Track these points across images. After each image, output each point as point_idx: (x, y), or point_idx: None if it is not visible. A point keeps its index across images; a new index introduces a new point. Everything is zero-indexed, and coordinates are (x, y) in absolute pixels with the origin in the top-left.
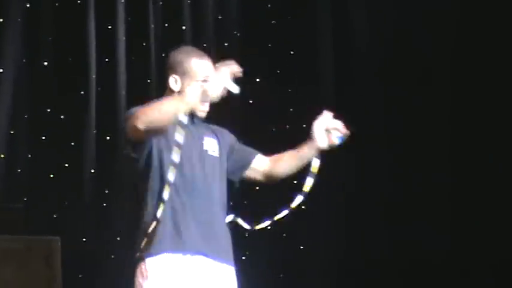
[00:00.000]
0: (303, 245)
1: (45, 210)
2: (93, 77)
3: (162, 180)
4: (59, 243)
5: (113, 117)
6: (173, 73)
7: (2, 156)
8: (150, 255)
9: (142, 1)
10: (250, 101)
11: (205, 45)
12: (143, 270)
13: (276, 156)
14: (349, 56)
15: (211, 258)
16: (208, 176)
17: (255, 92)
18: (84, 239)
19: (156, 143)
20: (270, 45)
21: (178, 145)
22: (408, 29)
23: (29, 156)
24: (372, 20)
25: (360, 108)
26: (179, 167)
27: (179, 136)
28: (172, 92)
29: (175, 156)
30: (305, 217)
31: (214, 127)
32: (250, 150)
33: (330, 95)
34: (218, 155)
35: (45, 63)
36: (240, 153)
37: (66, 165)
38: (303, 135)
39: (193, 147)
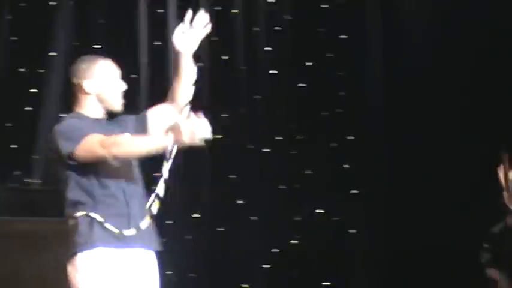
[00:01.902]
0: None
1: None
2: (145, 60)
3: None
4: None
5: (163, 102)
6: (85, 79)
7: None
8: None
9: None
10: (301, 85)
11: (257, 29)
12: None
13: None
14: (399, 42)
15: (138, 247)
16: (129, 172)
17: (306, 75)
18: None
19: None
20: (321, 30)
21: None
22: (459, 15)
23: None
24: (421, 4)
25: (408, 95)
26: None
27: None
28: (87, 94)
29: None
30: None
31: (120, 118)
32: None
33: (378, 80)
34: None
35: (97, 47)
36: (139, 120)
37: None
38: (353, 120)
39: None
